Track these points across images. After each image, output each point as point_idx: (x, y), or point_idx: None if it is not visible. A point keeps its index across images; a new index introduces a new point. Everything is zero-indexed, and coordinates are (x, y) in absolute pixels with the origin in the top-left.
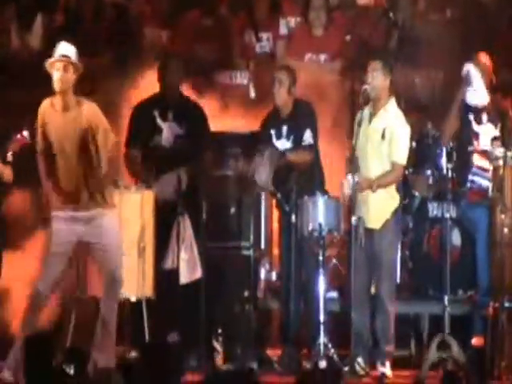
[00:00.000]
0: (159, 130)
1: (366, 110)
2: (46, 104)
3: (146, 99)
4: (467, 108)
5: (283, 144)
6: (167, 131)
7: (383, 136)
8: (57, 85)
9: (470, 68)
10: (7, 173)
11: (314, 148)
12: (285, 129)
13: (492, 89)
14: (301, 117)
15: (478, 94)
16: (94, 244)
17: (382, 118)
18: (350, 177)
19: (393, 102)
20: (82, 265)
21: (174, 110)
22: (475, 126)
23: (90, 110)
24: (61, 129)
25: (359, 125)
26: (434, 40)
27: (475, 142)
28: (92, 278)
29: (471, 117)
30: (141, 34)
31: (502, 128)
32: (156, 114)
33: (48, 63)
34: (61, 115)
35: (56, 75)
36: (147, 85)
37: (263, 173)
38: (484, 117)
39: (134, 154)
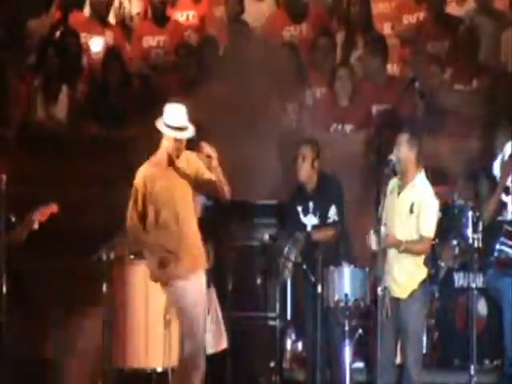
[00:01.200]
0: None
1: (395, 182)
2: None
3: None
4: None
5: (310, 220)
6: (196, 203)
7: (411, 210)
8: (173, 152)
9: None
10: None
11: (338, 224)
12: (311, 205)
13: None
14: (326, 192)
15: None
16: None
17: (410, 192)
18: (375, 231)
19: (421, 176)
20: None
21: None
22: (504, 196)
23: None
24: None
25: (386, 195)
26: (460, 110)
27: (504, 212)
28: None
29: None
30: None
31: None
32: None
33: (166, 131)
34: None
35: (174, 145)
36: None
37: (292, 255)
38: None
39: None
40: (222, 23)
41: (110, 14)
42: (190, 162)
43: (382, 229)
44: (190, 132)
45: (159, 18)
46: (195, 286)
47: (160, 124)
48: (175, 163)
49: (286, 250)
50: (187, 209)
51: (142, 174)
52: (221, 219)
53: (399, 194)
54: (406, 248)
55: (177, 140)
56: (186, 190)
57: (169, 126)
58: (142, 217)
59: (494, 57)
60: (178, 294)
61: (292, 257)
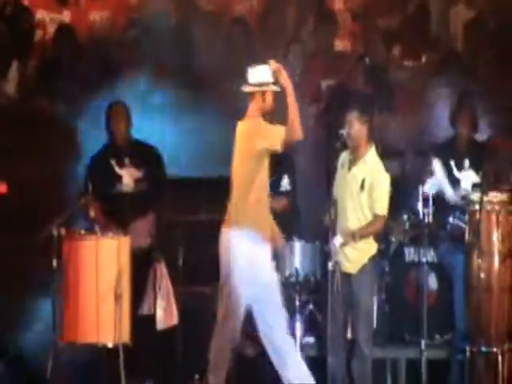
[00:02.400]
0: (118, 178)
1: (346, 156)
2: None
3: (100, 150)
4: (448, 153)
5: None
6: (126, 177)
7: (362, 186)
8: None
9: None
10: None
11: (291, 194)
12: None
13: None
14: (278, 163)
15: (438, 186)
16: None
17: (360, 168)
18: (335, 238)
19: (372, 151)
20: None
21: (129, 155)
22: (456, 172)
23: None
24: None
25: (337, 169)
26: (409, 86)
27: (457, 187)
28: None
29: (452, 162)
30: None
31: (482, 174)
32: (113, 162)
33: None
34: None
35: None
36: None
37: None
38: (466, 163)
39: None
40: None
41: None
42: None
43: (337, 237)
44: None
45: None
46: None
47: (245, 87)
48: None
49: None
50: None
51: None
52: (169, 194)
53: (350, 168)
54: (361, 236)
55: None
56: None
57: (254, 84)
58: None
59: (443, 33)
60: None
61: None
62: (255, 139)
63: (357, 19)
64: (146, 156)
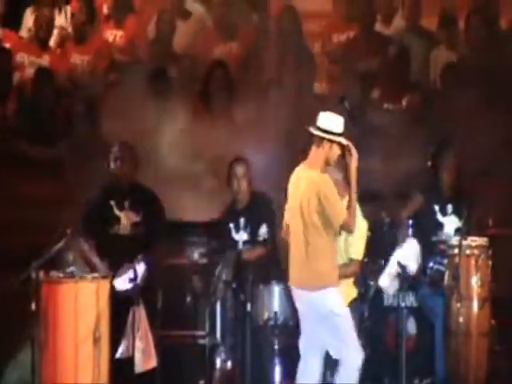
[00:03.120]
0: (117, 219)
1: None
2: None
3: (102, 189)
4: (432, 198)
5: (241, 236)
6: (124, 220)
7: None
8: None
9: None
10: None
11: (269, 242)
12: (242, 221)
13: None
14: (257, 209)
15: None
16: None
17: None
18: None
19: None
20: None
21: (129, 199)
22: (440, 217)
23: None
24: None
25: None
26: (389, 130)
27: (439, 232)
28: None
29: (436, 207)
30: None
31: (464, 218)
32: (112, 203)
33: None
34: None
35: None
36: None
37: (224, 273)
38: (449, 207)
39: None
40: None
41: (50, 38)
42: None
43: None
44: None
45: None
46: None
47: (314, 130)
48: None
49: (217, 269)
50: None
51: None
52: (152, 237)
53: None
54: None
55: (340, 145)
56: None
57: (326, 131)
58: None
59: (424, 76)
60: None
61: (223, 276)
62: (314, 203)
63: (335, 62)
64: (146, 201)
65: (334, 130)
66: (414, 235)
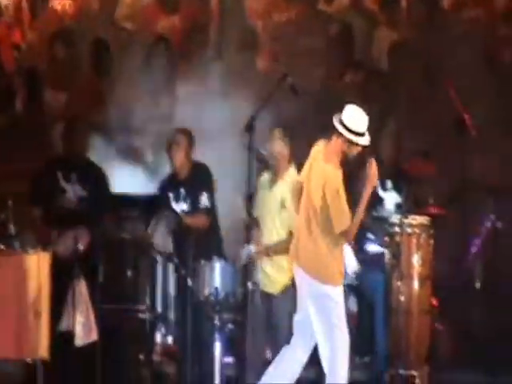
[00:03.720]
0: (62, 191)
1: (266, 176)
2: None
3: (50, 159)
4: None
5: (181, 207)
6: (70, 193)
7: (283, 205)
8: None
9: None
10: None
11: (210, 211)
12: (182, 191)
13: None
14: (198, 179)
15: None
16: None
17: (281, 187)
18: (247, 247)
19: (292, 171)
20: None
21: (77, 173)
22: (380, 191)
23: None
24: None
25: (258, 189)
26: (331, 106)
27: (379, 208)
28: None
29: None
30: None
31: (404, 196)
32: (59, 175)
33: (344, 132)
34: None
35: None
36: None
37: (160, 237)
38: (389, 184)
39: (35, 213)
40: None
41: None
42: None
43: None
44: (367, 140)
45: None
46: None
47: (337, 122)
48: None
49: (151, 226)
50: None
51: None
52: (93, 211)
53: (271, 188)
54: (275, 252)
55: (352, 143)
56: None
57: (347, 129)
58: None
59: (367, 54)
60: None
61: (160, 239)
62: (321, 196)
63: (278, 39)
64: (93, 176)
65: (354, 129)
66: None
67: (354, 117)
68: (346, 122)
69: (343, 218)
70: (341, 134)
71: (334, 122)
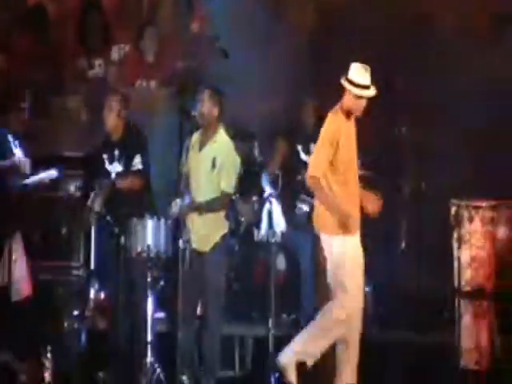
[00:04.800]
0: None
1: (196, 137)
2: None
3: None
4: (295, 138)
5: (115, 167)
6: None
7: (213, 165)
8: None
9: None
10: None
11: (143, 172)
12: (116, 152)
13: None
14: (131, 141)
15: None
16: None
17: (211, 147)
18: (178, 200)
19: (222, 132)
20: None
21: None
22: (303, 156)
23: None
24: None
25: (188, 150)
26: (261, 71)
27: (303, 171)
28: None
29: (299, 147)
30: None
31: None
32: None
33: (349, 87)
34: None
35: (354, 102)
36: None
37: (96, 202)
38: (312, 147)
39: None
40: None
41: None
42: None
43: (180, 200)
44: (372, 91)
45: None
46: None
47: (343, 80)
48: (352, 119)
49: (90, 198)
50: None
51: (337, 122)
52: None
53: (201, 149)
54: (207, 210)
55: (358, 97)
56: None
57: (352, 83)
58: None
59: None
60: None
61: (97, 205)
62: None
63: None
64: None
65: (355, 80)
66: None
67: (356, 72)
68: (350, 78)
69: (312, 164)
70: (347, 91)
71: (341, 81)
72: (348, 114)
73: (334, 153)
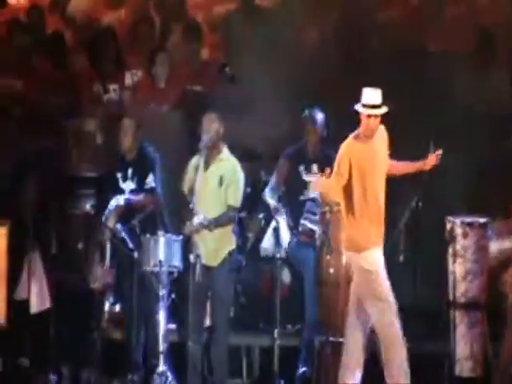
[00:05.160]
0: None
1: (198, 158)
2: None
3: None
4: (298, 159)
5: (128, 185)
6: None
7: (221, 183)
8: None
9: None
10: None
11: (155, 190)
12: (130, 171)
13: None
14: (144, 161)
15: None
16: None
17: (218, 165)
18: (195, 218)
19: (226, 150)
20: None
21: None
22: (305, 177)
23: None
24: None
25: (190, 171)
26: (267, 94)
27: (305, 191)
28: None
29: (301, 167)
30: None
31: None
32: None
33: (361, 110)
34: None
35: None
36: None
37: (110, 219)
38: (314, 167)
39: None
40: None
41: None
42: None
43: (198, 215)
44: (381, 109)
45: None
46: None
47: (358, 106)
48: (371, 139)
49: (104, 215)
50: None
51: (348, 147)
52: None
53: (206, 168)
54: (217, 225)
55: (368, 117)
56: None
57: (364, 105)
58: (345, 190)
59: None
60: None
61: (110, 222)
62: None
63: (216, 30)
64: None
65: (364, 101)
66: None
67: (366, 94)
68: (362, 101)
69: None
70: (360, 114)
71: (355, 108)
72: (365, 136)
73: (344, 174)
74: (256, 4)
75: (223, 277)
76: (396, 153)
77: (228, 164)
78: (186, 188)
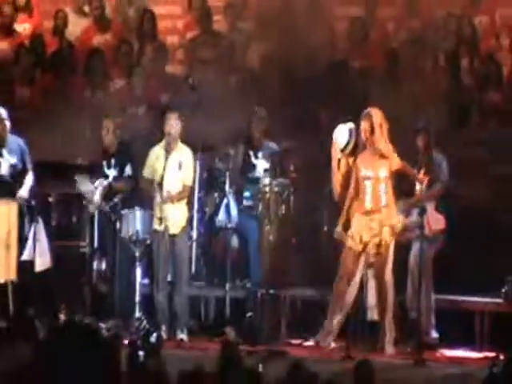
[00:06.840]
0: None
1: (158, 150)
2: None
3: None
4: (248, 146)
5: (111, 172)
6: (4, 162)
7: (180, 167)
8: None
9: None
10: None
11: (133, 177)
12: (112, 162)
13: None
14: (124, 154)
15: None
16: None
17: (178, 154)
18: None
19: (181, 143)
20: None
21: (7, 147)
22: (253, 160)
23: None
24: None
25: (157, 158)
26: (222, 98)
27: (253, 171)
28: None
29: (251, 152)
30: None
31: (271, 163)
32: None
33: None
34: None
35: None
36: None
37: (95, 196)
38: (260, 153)
39: None
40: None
41: None
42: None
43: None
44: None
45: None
46: None
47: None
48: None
49: (90, 192)
50: None
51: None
52: (46, 174)
53: (167, 157)
54: (179, 198)
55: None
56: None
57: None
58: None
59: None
60: None
61: (95, 198)
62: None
63: (186, 51)
64: (19, 148)
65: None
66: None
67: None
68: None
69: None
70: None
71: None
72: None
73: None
74: (213, 29)
75: (184, 242)
76: None
77: (185, 152)
78: (147, 172)
